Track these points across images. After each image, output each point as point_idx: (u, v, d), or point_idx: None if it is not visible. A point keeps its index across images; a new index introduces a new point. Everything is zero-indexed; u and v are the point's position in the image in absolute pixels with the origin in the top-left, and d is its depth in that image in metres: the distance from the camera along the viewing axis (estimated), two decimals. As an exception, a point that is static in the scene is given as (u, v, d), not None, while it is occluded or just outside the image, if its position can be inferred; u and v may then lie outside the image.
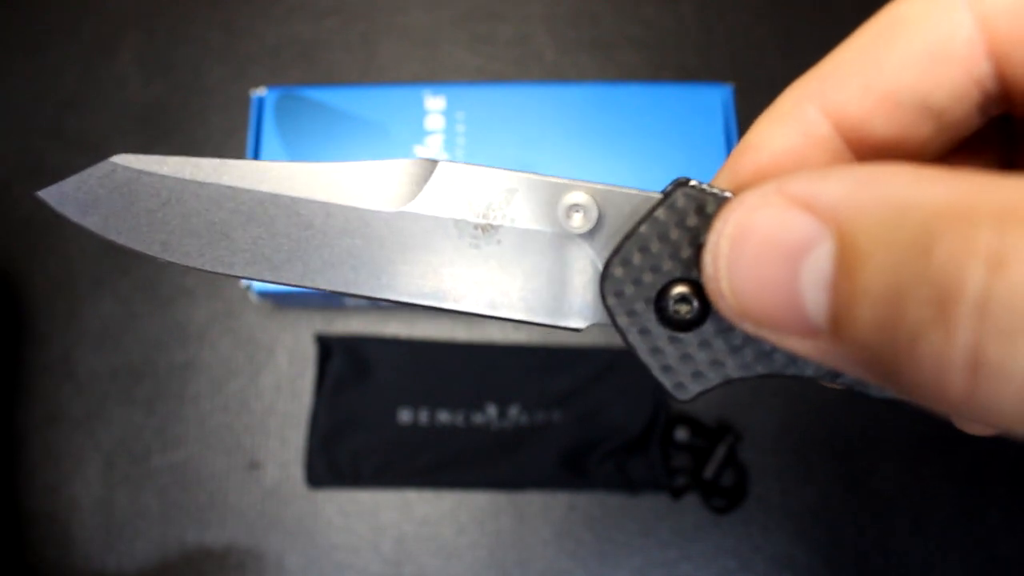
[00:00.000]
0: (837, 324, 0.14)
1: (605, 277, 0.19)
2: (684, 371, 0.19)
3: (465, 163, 0.20)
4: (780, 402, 0.47)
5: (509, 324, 0.48)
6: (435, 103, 0.45)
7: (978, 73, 0.17)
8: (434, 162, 0.20)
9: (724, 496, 0.46)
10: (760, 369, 0.18)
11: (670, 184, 0.18)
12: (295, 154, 0.44)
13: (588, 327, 0.20)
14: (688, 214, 0.18)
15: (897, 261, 0.13)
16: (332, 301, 0.47)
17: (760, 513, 0.46)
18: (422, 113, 0.45)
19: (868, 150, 0.18)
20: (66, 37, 0.53)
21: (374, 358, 0.47)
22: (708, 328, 0.18)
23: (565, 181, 0.19)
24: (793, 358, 0.19)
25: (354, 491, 0.46)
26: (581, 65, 0.52)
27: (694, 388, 0.19)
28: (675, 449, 0.46)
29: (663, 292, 0.18)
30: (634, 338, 0.19)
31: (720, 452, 0.45)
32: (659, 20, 0.53)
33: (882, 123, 0.18)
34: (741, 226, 0.16)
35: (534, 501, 0.46)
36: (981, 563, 0.46)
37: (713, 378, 0.19)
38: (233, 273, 0.20)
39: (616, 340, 0.48)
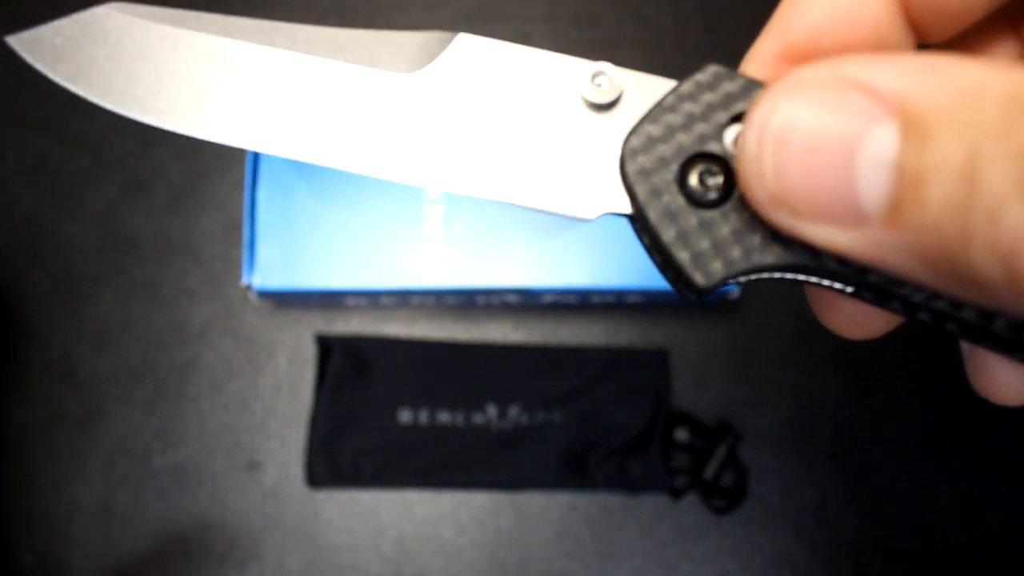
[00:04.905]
0: (898, 207, 0.14)
1: (626, 148, 0.18)
2: (706, 249, 0.18)
3: (486, 37, 0.19)
4: (780, 402, 0.47)
5: (509, 325, 0.48)
6: (435, 103, 0.45)
7: None
8: (453, 34, 0.19)
9: (724, 496, 0.46)
10: (787, 255, 0.17)
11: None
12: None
13: (598, 218, 0.19)
14: (718, 92, 0.18)
15: (974, 139, 0.13)
16: (332, 301, 0.47)
17: (760, 513, 0.46)
18: (422, 113, 0.44)
19: (916, 3, 0.18)
20: (66, 37, 0.53)
21: (374, 358, 0.47)
22: (734, 206, 0.17)
23: (587, 61, 0.19)
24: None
25: (354, 491, 0.46)
26: (581, 65, 0.52)
27: (717, 271, 0.18)
28: (675, 449, 0.46)
29: (687, 167, 0.18)
30: (656, 216, 0.18)
31: (720, 452, 0.45)
32: (659, 20, 0.53)
33: None
34: (794, 106, 0.15)
35: (534, 501, 0.46)
36: (981, 563, 0.46)
37: (738, 260, 0.17)
38: (215, 138, 0.18)
39: (616, 340, 0.48)
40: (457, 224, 0.43)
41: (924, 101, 0.14)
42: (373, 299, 0.46)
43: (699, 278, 0.18)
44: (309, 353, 0.48)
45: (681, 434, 0.46)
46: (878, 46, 0.18)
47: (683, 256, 0.18)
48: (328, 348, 0.47)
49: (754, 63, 0.20)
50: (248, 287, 0.43)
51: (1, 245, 0.49)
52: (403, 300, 0.47)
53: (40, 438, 0.47)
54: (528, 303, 0.48)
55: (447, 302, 0.47)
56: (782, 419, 0.47)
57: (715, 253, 0.17)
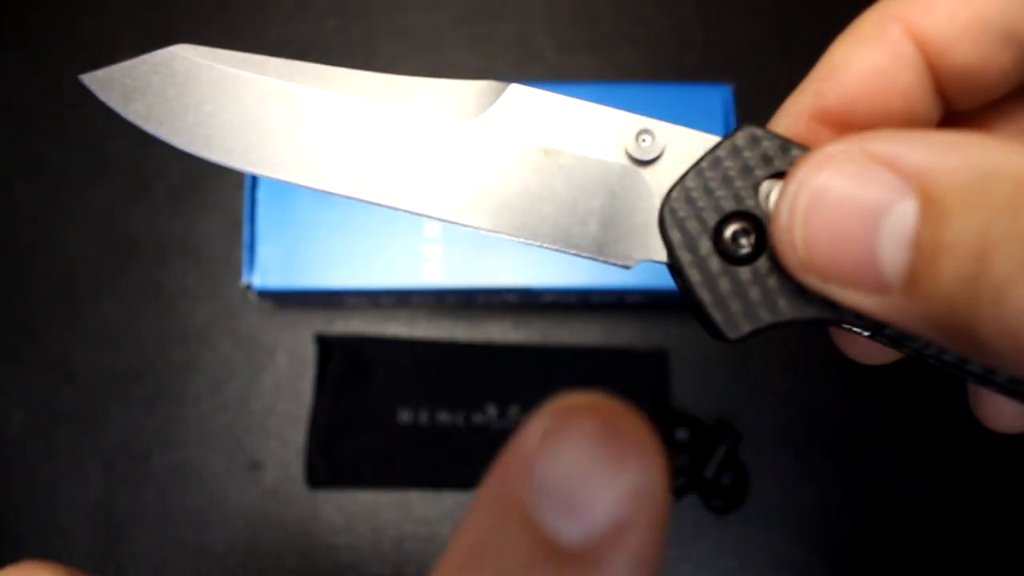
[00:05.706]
0: (915, 279, 0.15)
1: (666, 205, 0.19)
2: (737, 307, 0.19)
3: (538, 88, 0.20)
4: (780, 402, 0.47)
5: (509, 325, 0.48)
6: (435, 103, 0.45)
7: None
8: (505, 84, 0.20)
9: (724, 496, 0.46)
10: (810, 311, 0.19)
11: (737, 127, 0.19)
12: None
13: (635, 265, 0.20)
14: (754, 153, 0.19)
15: (986, 220, 0.13)
16: (332, 301, 0.47)
17: (760, 513, 0.46)
18: (422, 113, 0.44)
19: (948, 75, 0.19)
20: (66, 37, 0.53)
21: (374, 358, 0.47)
22: (764, 264, 0.19)
23: (634, 115, 0.20)
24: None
25: (354, 491, 0.46)
26: (581, 65, 0.52)
27: (745, 327, 0.19)
28: (675, 449, 0.46)
29: (722, 224, 0.19)
30: (690, 270, 0.19)
31: (720, 452, 0.45)
32: (659, 20, 0.53)
33: (966, 49, 0.18)
34: (822, 180, 0.16)
35: (534, 501, 0.46)
36: (981, 562, 0.46)
37: (765, 316, 0.19)
38: (276, 175, 0.20)
39: (616, 340, 0.48)
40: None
41: (942, 179, 0.14)
42: (373, 299, 0.46)
43: (730, 333, 0.19)
44: (309, 353, 0.48)
45: (681, 434, 0.46)
46: (908, 114, 0.19)
47: (717, 315, 0.19)
48: (328, 348, 0.47)
49: (787, 119, 0.20)
50: (248, 287, 0.43)
51: (1, 245, 0.49)
52: (403, 300, 0.47)
53: (40, 438, 0.47)
54: (528, 303, 0.48)
55: (447, 302, 0.47)
56: (782, 419, 0.47)
57: (745, 312, 0.19)
